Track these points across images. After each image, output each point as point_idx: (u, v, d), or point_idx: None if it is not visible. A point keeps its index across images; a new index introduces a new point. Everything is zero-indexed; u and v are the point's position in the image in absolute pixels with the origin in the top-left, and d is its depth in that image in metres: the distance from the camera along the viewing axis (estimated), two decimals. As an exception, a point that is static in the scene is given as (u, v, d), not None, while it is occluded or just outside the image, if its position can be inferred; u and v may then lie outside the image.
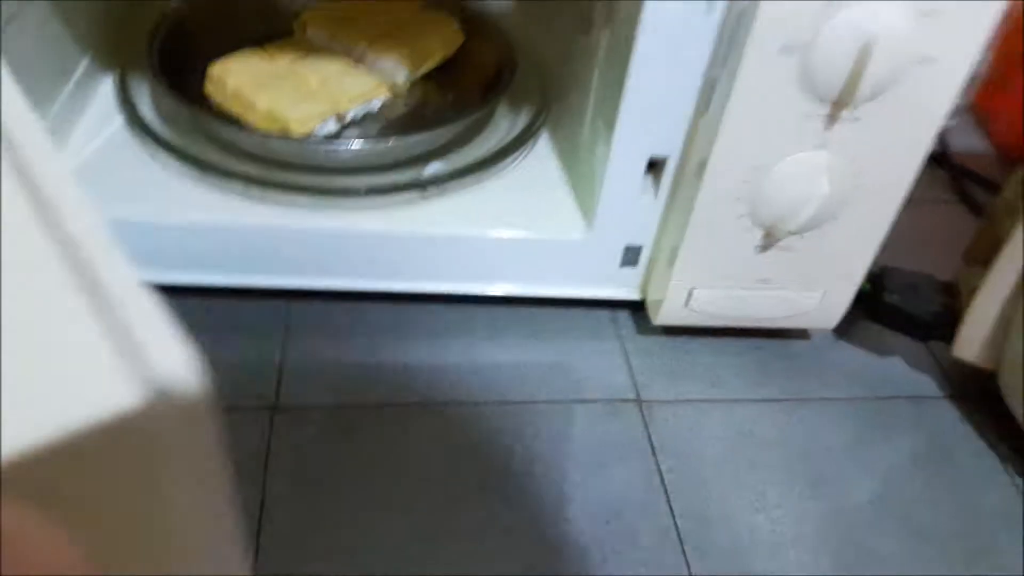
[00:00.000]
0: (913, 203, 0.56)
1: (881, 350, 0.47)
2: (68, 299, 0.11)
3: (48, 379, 0.10)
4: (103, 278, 0.11)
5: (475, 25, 0.53)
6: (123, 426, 0.09)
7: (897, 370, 0.46)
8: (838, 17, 0.33)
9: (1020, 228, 0.40)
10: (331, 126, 0.46)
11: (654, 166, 0.40)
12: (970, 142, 0.65)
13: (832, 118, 0.36)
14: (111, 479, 0.10)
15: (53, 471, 0.09)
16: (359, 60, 0.50)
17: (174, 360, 0.10)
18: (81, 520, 0.10)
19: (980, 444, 0.43)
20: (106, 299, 0.11)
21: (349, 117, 0.47)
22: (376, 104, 0.48)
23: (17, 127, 0.13)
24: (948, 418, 0.44)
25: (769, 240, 0.40)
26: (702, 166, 0.38)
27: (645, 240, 0.42)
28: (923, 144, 0.38)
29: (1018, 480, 0.42)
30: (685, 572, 0.36)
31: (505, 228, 0.43)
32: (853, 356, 0.47)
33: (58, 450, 0.09)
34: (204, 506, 0.12)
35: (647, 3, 0.35)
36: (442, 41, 0.51)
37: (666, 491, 0.39)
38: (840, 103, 0.35)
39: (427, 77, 0.51)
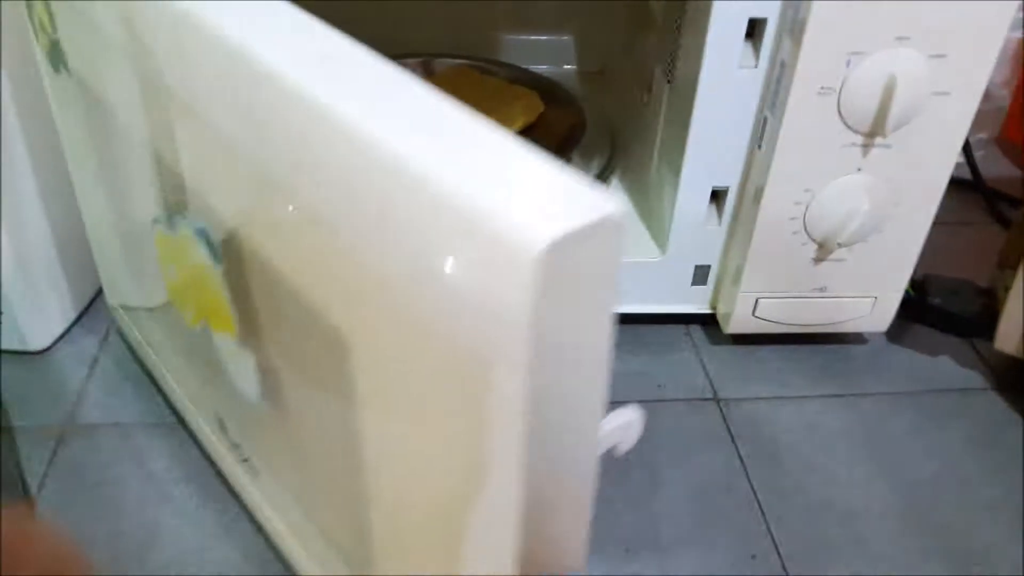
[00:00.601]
0: (952, 224, 0.63)
1: (930, 349, 0.53)
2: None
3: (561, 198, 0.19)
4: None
5: (550, 94, 0.61)
6: (601, 229, 0.18)
7: (946, 366, 0.52)
8: (864, 63, 0.40)
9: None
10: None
11: (717, 196, 0.48)
12: (1001, 169, 0.71)
13: (867, 146, 0.43)
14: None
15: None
16: (453, 127, 0.59)
17: (607, 198, 0.19)
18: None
19: (1027, 427, 0.48)
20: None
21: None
22: (467, 162, 0.57)
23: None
24: (995, 406, 0.49)
25: (822, 252, 0.47)
26: (759, 193, 0.45)
27: (712, 260, 0.50)
28: (947, 163, 0.44)
29: (1066, 459, 0.47)
30: (767, 534, 0.41)
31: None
32: (905, 356, 0.52)
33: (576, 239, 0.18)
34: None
35: (705, 64, 0.43)
36: (524, 109, 0.60)
37: (746, 471, 0.45)
38: (872, 133, 0.42)
39: (511, 138, 0.59)
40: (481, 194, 0.19)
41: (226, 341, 0.34)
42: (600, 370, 0.21)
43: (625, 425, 0.26)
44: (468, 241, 0.19)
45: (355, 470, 0.28)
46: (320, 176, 0.23)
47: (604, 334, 0.20)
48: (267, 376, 0.33)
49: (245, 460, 0.39)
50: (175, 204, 0.34)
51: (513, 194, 0.19)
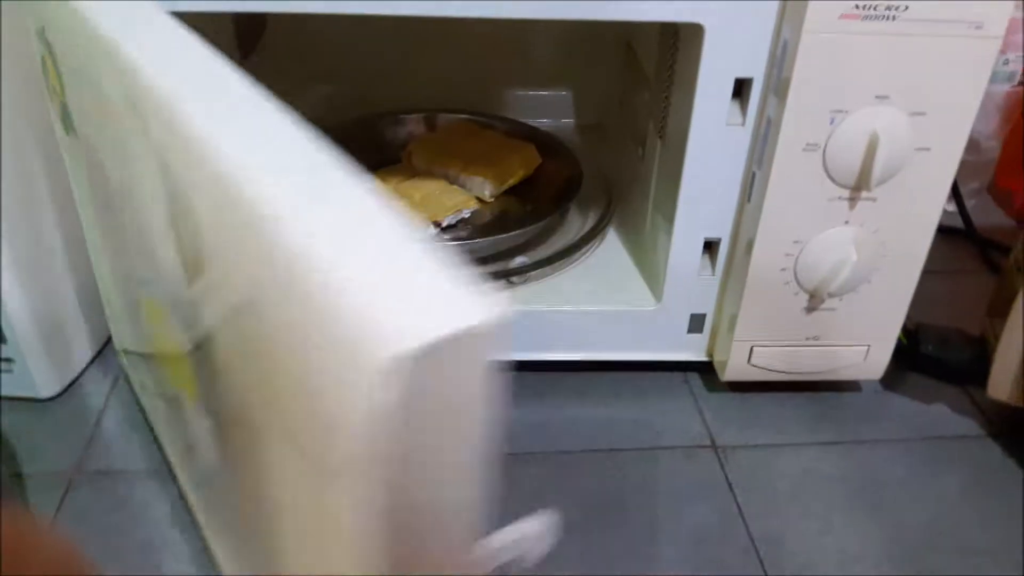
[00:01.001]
0: (946, 272, 0.64)
1: (924, 397, 0.53)
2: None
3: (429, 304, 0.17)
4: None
5: (548, 147, 0.63)
6: (470, 339, 0.17)
7: (941, 414, 0.52)
8: (847, 120, 0.42)
9: (1031, 282, 0.47)
10: (430, 231, 0.56)
11: (710, 247, 0.49)
12: (993, 218, 0.72)
13: (853, 199, 0.45)
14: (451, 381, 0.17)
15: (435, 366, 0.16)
16: (454, 180, 0.61)
17: (487, 302, 0.17)
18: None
19: (1021, 474, 0.49)
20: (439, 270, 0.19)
21: (445, 223, 0.57)
22: (466, 213, 0.58)
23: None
24: (991, 453, 0.50)
25: (814, 302, 0.48)
26: (750, 244, 0.46)
27: (707, 309, 0.51)
28: (933, 216, 0.46)
29: (1064, 507, 0.47)
30: (766, 581, 0.42)
31: (586, 303, 0.51)
32: (900, 403, 0.53)
33: (442, 350, 0.16)
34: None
35: (694, 122, 0.44)
36: (522, 162, 0.62)
37: (744, 519, 0.45)
38: (858, 187, 0.44)
39: (509, 191, 0.61)
40: (346, 289, 0.17)
41: (190, 402, 0.35)
42: (471, 487, 0.19)
43: (527, 537, 0.24)
44: (326, 339, 0.17)
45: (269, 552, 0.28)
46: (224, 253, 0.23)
47: (472, 450, 0.18)
48: (218, 444, 0.33)
49: (209, 516, 0.40)
50: (156, 272, 0.35)
51: (377, 293, 0.17)
